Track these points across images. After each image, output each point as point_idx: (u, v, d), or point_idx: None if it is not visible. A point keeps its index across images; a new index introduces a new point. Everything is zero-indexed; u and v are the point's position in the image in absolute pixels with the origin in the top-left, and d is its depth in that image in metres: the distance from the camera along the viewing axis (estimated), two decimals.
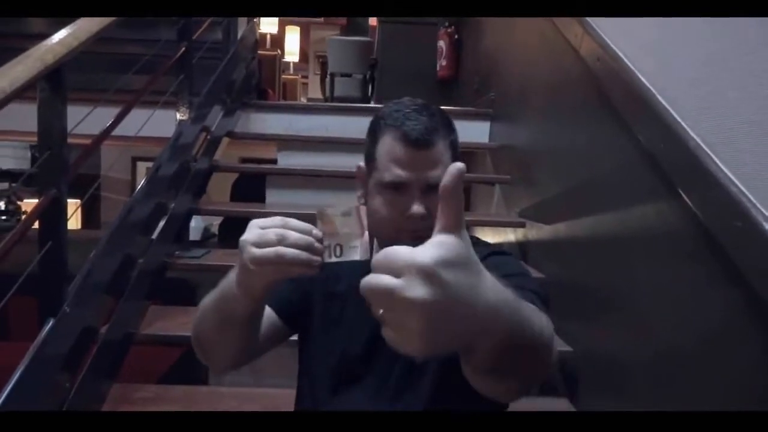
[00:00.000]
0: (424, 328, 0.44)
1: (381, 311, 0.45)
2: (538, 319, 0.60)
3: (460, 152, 0.90)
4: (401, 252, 0.45)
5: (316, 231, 0.70)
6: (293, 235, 0.68)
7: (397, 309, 0.44)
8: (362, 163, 0.92)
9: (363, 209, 0.82)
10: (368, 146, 0.89)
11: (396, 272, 0.45)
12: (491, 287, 0.49)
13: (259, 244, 0.68)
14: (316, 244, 0.69)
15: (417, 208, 0.83)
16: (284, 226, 0.69)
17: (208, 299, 0.83)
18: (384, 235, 0.86)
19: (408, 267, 0.44)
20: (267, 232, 0.68)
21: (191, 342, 0.89)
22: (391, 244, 0.47)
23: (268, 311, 0.92)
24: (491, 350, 0.52)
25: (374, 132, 0.88)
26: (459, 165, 0.50)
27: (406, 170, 0.83)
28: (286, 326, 0.95)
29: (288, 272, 0.69)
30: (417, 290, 0.44)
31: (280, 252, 0.67)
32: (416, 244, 0.46)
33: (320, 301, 0.96)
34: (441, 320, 0.45)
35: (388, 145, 0.85)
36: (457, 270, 0.45)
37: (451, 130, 0.89)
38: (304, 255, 0.68)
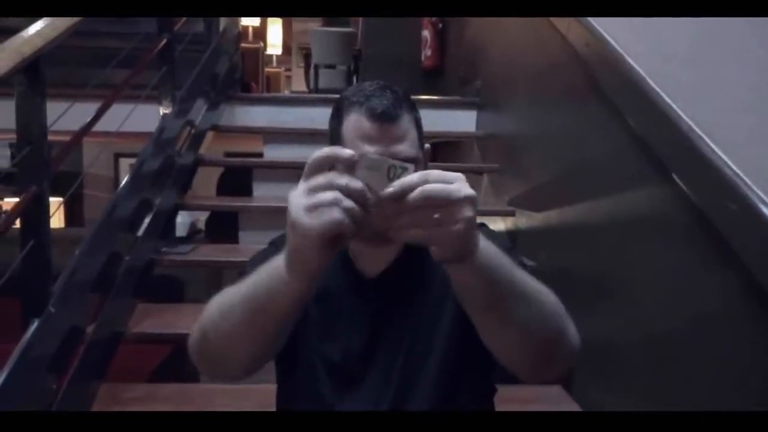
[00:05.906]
0: (473, 220, 0.59)
1: (435, 216, 0.58)
2: (533, 280, 0.70)
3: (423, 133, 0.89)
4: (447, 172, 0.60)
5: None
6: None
7: (455, 206, 0.58)
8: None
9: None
10: (333, 128, 0.86)
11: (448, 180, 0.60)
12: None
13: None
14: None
15: None
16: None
17: (230, 295, 0.75)
18: None
19: (457, 177, 0.60)
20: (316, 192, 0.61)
21: (189, 346, 0.82)
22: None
23: None
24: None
25: (338, 112, 0.85)
26: None
27: (374, 145, 0.80)
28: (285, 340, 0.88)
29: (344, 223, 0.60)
30: (469, 190, 0.59)
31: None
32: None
33: (313, 301, 0.89)
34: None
35: (353, 122, 0.82)
36: None
37: (414, 109, 0.87)
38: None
